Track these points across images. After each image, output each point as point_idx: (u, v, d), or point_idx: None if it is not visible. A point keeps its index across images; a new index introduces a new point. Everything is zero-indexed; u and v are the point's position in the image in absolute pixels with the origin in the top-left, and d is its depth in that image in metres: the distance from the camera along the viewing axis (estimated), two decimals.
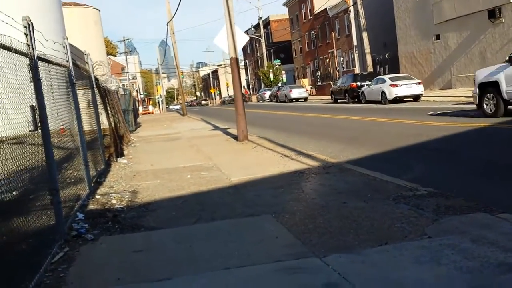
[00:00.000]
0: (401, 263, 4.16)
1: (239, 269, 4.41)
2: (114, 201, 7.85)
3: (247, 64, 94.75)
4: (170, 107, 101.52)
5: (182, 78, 55.99)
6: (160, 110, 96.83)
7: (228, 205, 7.07)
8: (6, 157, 4.38)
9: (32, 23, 5.78)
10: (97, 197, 8.23)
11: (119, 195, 8.33)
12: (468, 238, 4.55)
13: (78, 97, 8.77)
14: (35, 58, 5.66)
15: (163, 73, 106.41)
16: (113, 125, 14.15)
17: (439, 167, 8.88)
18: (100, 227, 6.37)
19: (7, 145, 4.56)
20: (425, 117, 17.17)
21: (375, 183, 7.55)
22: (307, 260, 4.46)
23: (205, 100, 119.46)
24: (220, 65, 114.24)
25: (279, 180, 8.53)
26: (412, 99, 27.67)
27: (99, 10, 49.07)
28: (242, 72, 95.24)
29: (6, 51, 4.69)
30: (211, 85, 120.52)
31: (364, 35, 37.90)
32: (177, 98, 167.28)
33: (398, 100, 27.20)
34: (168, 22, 43.30)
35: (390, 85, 27.29)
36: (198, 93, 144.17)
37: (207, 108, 77.40)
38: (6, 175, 4.34)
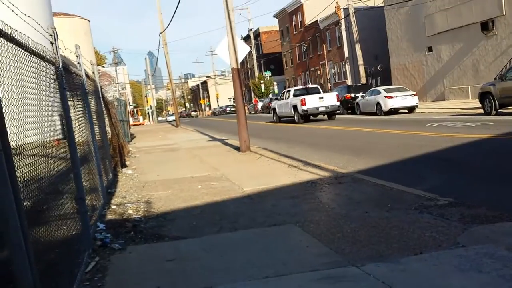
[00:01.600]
0: (443, 271, 4.18)
1: (278, 278, 4.40)
2: (130, 211, 7.80)
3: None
4: (168, 118, 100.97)
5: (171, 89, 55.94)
6: (150, 121, 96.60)
7: (247, 215, 7.06)
8: (37, 164, 4.34)
9: (56, 32, 5.78)
10: (112, 207, 8.18)
11: (134, 205, 8.29)
12: (503, 247, 4.59)
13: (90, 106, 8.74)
14: (60, 67, 5.65)
15: (149, 84, 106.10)
16: (116, 135, 14.10)
17: (452, 177, 8.95)
18: (123, 236, 6.33)
19: (38, 153, 4.53)
20: (426, 128, 17.31)
21: (392, 193, 7.59)
22: (345, 269, 4.46)
23: (195, 111, 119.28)
24: (209, 76, 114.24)
25: (293, 190, 8.54)
26: (407, 111, 27.88)
27: (88, 21, 49.01)
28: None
29: (39, 59, 4.68)
30: (201, 96, 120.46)
31: (357, 47, 38.20)
32: (165, 109, 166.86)
33: (393, 111, 27.39)
34: (160, 33, 43.31)
35: (385, 96, 27.49)
36: (187, 104, 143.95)
37: (198, 119, 77.29)
38: (35, 184, 4.31)
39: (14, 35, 3.69)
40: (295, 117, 28.73)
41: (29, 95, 4.07)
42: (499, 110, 19.65)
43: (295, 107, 28.67)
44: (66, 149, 5.48)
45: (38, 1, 19.43)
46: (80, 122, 7.13)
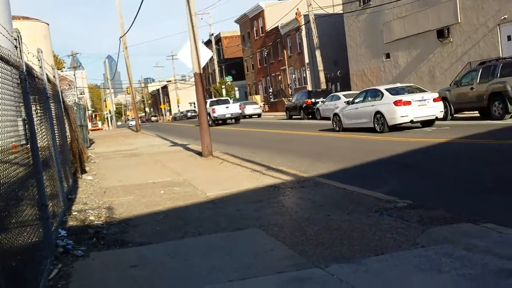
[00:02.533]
0: (404, 271, 4.32)
1: (244, 281, 4.45)
2: (92, 218, 7.71)
3: None
4: (129, 123, 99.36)
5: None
6: (109, 126, 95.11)
7: (211, 220, 7.09)
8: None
9: (21, 36, 5.70)
10: (73, 213, 8.07)
11: (95, 211, 8.19)
12: (461, 247, 4.77)
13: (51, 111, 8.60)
14: (24, 71, 5.57)
15: (109, 88, 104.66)
16: (76, 140, 13.88)
17: (410, 180, 9.21)
18: (85, 243, 6.26)
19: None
20: (384, 133, 17.67)
21: (353, 196, 7.76)
22: (309, 270, 4.55)
23: (155, 116, 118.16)
24: (170, 81, 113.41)
25: (256, 194, 8.61)
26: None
27: (48, 24, 48.02)
28: (194, 88, 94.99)
29: (5, 63, 4.61)
30: (161, 101, 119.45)
31: (317, 53, 38.71)
32: (124, 114, 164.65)
33: None
34: (121, 37, 42.84)
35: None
36: (147, 109, 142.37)
37: (159, 124, 76.67)
38: None
39: None
40: (209, 122, 30.13)
41: None
42: (454, 115, 20.32)
43: (209, 114, 33.86)
44: (29, 154, 5.39)
45: None
46: (41, 127, 7.02)
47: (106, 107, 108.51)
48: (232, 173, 11.58)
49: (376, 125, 18.10)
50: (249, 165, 12.38)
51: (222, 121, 37.91)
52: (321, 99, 32.01)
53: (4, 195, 4.57)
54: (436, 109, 17.89)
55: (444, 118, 20.19)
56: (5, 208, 4.58)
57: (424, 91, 19.33)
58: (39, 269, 4.95)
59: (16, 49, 5.45)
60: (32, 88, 6.66)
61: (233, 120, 38.32)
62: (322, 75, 38.90)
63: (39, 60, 8.15)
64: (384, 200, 7.15)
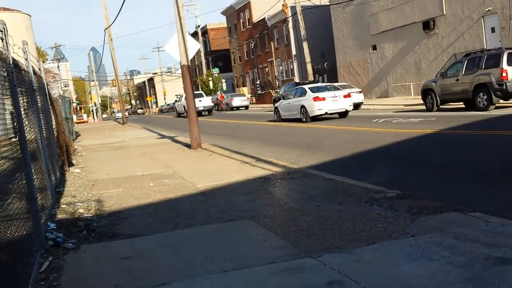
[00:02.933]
0: (395, 260, 4.37)
1: (237, 271, 4.47)
2: (81, 210, 7.68)
3: None
4: (116, 115, 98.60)
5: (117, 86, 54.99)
6: (94, 119, 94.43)
7: (202, 212, 7.09)
8: None
9: (6, 27, 5.63)
10: (62, 206, 8.02)
11: (84, 204, 8.15)
12: (450, 236, 4.82)
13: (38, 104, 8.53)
14: (11, 63, 5.50)
15: (93, 81, 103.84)
16: (62, 133, 13.77)
17: (398, 170, 9.28)
18: (75, 236, 6.24)
19: None
20: (372, 124, 17.79)
21: (343, 186, 7.80)
22: (302, 260, 4.58)
23: (141, 108, 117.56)
24: (156, 73, 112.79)
25: (247, 186, 8.63)
26: (353, 107, 28.48)
27: (30, 16, 47.42)
28: (180, 80, 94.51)
29: None
30: (147, 93, 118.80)
31: (305, 44, 38.70)
32: (110, 107, 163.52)
33: None
34: (106, 29, 42.47)
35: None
36: (133, 102, 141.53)
37: (145, 116, 76.30)
38: None
39: None
40: (185, 114, 36.74)
41: None
42: (440, 106, 20.49)
43: (184, 107, 39.15)
44: (17, 147, 5.35)
45: None
46: (29, 120, 6.95)
47: (91, 99, 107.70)
48: (221, 164, 11.58)
49: (302, 116, 22.45)
50: (238, 157, 12.39)
51: (198, 113, 41.80)
52: None
53: None
54: (346, 103, 22.22)
55: (430, 110, 20.37)
56: None
57: (338, 89, 23.24)
58: (29, 262, 4.92)
59: (2, 41, 5.39)
60: (18, 80, 6.60)
61: (207, 112, 43.77)
62: (309, 67, 38.93)
63: (24, 52, 8.08)
64: (374, 191, 7.20)
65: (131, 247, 5.53)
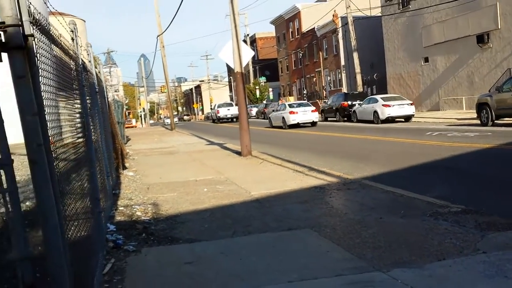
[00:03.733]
0: (469, 277, 4.17)
1: (304, 282, 4.35)
2: (139, 213, 7.73)
3: (232, 80, 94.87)
4: (165, 120, 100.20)
5: (166, 92, 55.76)
6: (142, 124, 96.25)
7: (259, 219, 7.01)
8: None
9: (76, 28, 5.73)
10: (120, 208, 8.10)
11: (141, 207, 8.21)
12: None
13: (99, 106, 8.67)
14: (80, 63, 5.59)
15: (143, 87, 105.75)
16: (117, 136, 14.00)
17: (457, 185, 8.96)
18: (135, 238, 6.26)
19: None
20: (425, 136, 17.36)
21: (403, 199, 7.58)
22: (371, 274, 4.43)
23: (187, 115, 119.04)
24: (203, 81, 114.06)
25: (302, 195, 8.51)
26: (403, 120, 27.99)
27: (84, 21, 48.88)
28: (227, 88, 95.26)
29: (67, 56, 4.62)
30: (194, 100, 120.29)
31: (355, 55, 38.34)
32: (157, 113, 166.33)
33: (390, 120, 27.47)
34: (158, 36, 43.27)
35: (383, 105, 27.58)
36: (179, 108, 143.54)
37: (191, 123, 77.12)
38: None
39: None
40: (215, 120, 52.25)
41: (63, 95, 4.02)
42: (495, 121, 19.80)
43: (215, 114, 52.10)
44: (84, 148, 5.41)
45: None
46: (94, 121, 7.06)
47: (140, 105, 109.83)
48: (274, 172, 11.50)
49: (283, 124, 30.51)
50: (290, 166, 12.28)
51: (225, 119, 50.91)
52: (358, 102, 31.67)
53: (67, 189, 4.58)
54: (312, 116, 30.02)
55: (485, 124, 19.74)
56: (69, 202, 4.59)
57: (309, 105, 31.52)
58: (92, 263, 4.94)
59: (73, 41, 5.47)
60: (85, 81, 6.71)
61: (234, 119, 48.04)
62: (359, 78, 38.51)
63: (88, 54, 8.21)
64: (437, 205, 6.97)
65: (191, 252, 5.50)
